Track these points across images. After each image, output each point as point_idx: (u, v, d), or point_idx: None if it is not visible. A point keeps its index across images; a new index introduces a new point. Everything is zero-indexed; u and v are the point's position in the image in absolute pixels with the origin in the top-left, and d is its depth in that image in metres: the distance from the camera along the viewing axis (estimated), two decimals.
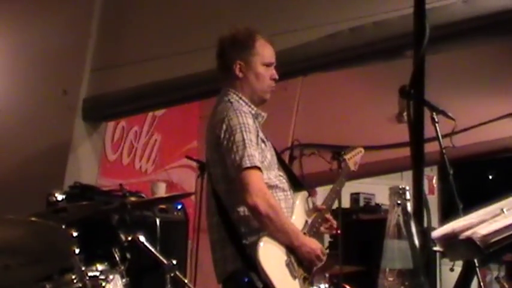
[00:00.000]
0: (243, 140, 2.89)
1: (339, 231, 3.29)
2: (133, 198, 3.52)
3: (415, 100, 1.59)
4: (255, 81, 3.08)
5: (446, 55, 4.23)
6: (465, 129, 5.57)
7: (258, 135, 2.99)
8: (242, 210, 2.92)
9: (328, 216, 3.18)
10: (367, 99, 6.27)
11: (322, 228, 3.17)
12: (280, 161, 3.24)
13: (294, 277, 2.90)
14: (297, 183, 3.24)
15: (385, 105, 6.10)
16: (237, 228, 2.93)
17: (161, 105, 5.62)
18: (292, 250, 2.92)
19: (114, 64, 5.12)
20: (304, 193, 3.19)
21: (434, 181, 8.08)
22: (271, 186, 2.99)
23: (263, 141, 3.03)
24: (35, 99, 5.16)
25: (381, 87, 5.93)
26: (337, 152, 5.12)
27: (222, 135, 2.94)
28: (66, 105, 5.08)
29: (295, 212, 3.08)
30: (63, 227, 2.86)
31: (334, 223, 3.23)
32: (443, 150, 3.03)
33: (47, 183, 4.52)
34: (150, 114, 6.26)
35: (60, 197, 3.22)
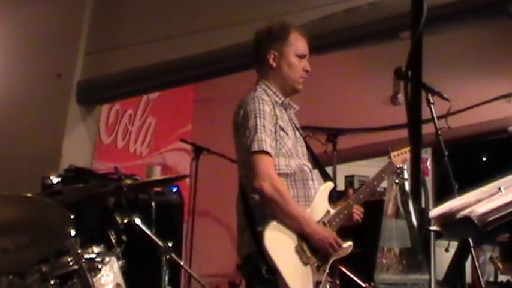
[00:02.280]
0: (256, 125, 2.95)
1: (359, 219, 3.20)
2: (128, 181, 3.52)
3: (411, 81, 1.58)
4: (288, 71, 3.15)
5: (441, 37, 4.22)
6: (460, 111, 5.58)
7: (276, 123, 3.03)
8: (257, 196, 2.96)
9: (356, 207, 3.14)
10: (362, 81, 6.27)
11: (349, 219, 3.13)
12: (311, 153, 3.27)
13: (305, 264, 2.91)
14: (325, 175, 3.26)
15: (380, 87, 6.10)
16: (253, 214, 2.97)
17: (156, 88, 5.61)
18: (304, 237, 2.93)
19: (108, 47, 5.09)
20: (329, 184, 3.19)
21: (428, 163, 8.09)
22: (287, 174, 3.02)
23: (282, 130, 3.05)
24: (29, 83, 5.14)
25: (376, 70, 5.92)
26: (332, 134, 5.14)
27: (239, 121, 3.03)
28: (60, 89, 5.07)
29: (315, 201, 3.08)
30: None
31: (360, 212, 3.16)
32: (439, 132, 3.03)
33: (42, 166, 4.52)
34: (145, 97, 6.24)
35: (55, 180, 3.23)
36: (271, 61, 3.15)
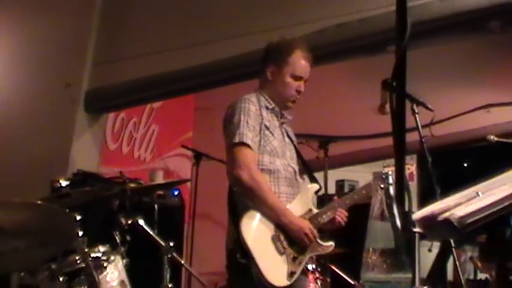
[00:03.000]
0: (239, 121, 2.96)
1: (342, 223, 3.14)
2: (132, 185, 3.52)
3: (397, 92, 1.59)
4: (281, 88, 3.13)
5: (425, 51, 4.24)
6: (443, 120, 5.60)
7: (261, 122, 3.03)
8: (238, 188, 2.95)
9: (340, 211, 3.09)
10: (352, 92, 6.28)
11: (331, 219, 3.06)
12: (302, 160, 3.26)
13: (280, 253, 2.87)
14: (312, 178, 3.24)
15: (368, 97, 6.10)
16: (236, 208, 2.95)
17: (158, 97, 5.61)
18: (282, 228, 2.90)
19: (114, 58, 5.10)
20: (315, 185, 3.18)
21: (413, 168, 8.10)
22: (271, 170, 3.01)
23: (268, 129, 3.05)
24: (40, 92, 5.13)
25: (364, 81, 5.92)
26: (324, 141, 5.16)
27: (227, 119, 3.05)
28: (69, 98, 5.07)
29: (298, 198, 3.06)
30: (67, 211, 2.86)
31: (344, 216, 3.09)
32: (423, 140, 3.04)
33: (51, 170, 4.52)
34: (148, 106, 6.24)
35: (64, 183, 3.22)
36: (268, 74, 3.15)
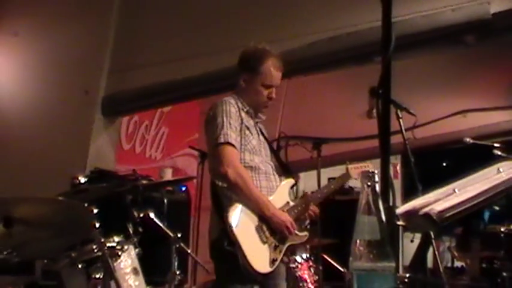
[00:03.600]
0: (222, 122, 2.93)
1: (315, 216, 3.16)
2: (144, 181, 3.52)
3: (382, 99, 1.59)
4: (253, 95, 3.09)
5: (408, 61, 4.24)
6: (424, 124, 5.59)
7: (242, 123, 3.01)
8: (221, 182, 2.93)
9: (312, 205, 3.11)
10: (342, 98, 6.28)
11: (304, 213, 3.09)
12: (274, 153, 3.26)
13: (263, 242, 2.85)
14: (288, 173, 3.22)
15: (357, 103, 6.08)
16: (220, 200, 2.93)
17: (168, 102, 5.62)
18: (265, 219, 2.88)
19: (128, 67, 5.11)
20: (291, 180, 3.16)
21: (398, 168, 8.09)
22: (252, 167, 3.00)
23: (248, 129, 3.03)
24: (61, 98, 5.15)
25: (353, 88, 5.91)
26: (317, 142, 5.15)
27: (209, 120, 3.01)
28: (88, 103, 5.08)
29: (277, 192, 3.05)
30: (85, 205, 2.86)
31: (316, 210, 3.13)
32: (406, 142, 3.04)
33: (71, 168, 4.52)
34: (159, 110, 6.25)
35: (82, 180, 3.23)
36: (241, 82, 3.11)
